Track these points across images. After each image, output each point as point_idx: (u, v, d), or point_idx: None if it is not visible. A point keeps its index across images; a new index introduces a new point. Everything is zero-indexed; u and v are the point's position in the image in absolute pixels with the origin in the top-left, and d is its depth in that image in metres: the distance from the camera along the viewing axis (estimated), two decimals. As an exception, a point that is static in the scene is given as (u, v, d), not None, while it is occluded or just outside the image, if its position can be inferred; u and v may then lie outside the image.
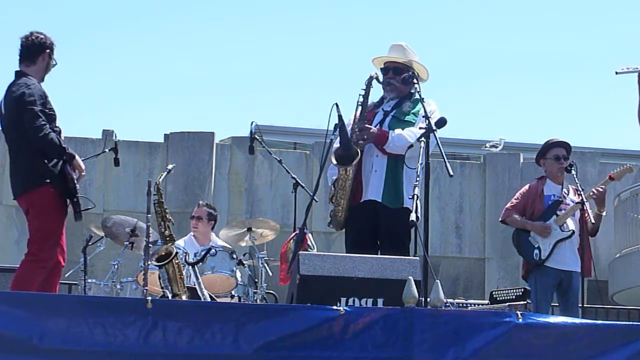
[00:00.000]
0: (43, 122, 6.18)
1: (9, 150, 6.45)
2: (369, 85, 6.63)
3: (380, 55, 6.89)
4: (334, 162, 6.54)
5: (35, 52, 6.42)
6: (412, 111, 6.72)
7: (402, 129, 6.59)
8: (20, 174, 6.35)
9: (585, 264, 7.40)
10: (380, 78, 6.81)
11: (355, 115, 6.64)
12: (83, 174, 6.43)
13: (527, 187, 7.82)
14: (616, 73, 6.59)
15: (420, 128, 6.19)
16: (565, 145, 7.70)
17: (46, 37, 6.45)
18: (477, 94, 33.65)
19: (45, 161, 6.22)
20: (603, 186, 7.51)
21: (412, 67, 6.77)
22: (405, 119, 6.69)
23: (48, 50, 6.45)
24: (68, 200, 6.34)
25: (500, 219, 7.84)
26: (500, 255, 14.78)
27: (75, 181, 6.33)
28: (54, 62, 6.49)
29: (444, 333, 5.05)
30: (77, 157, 6.39)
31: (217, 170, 14.63)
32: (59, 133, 6.33)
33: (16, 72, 6.41)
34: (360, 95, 6.63)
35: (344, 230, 6.79)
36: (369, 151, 6.64)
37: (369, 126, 6.61)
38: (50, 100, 6.36)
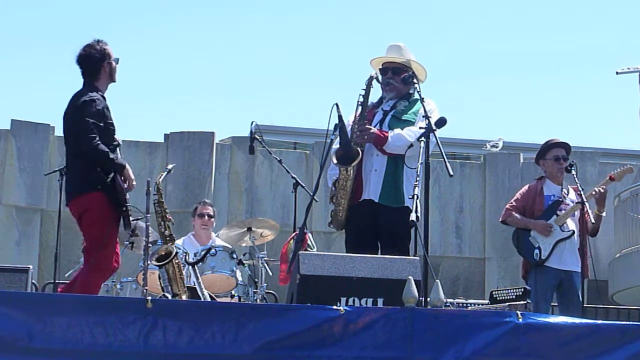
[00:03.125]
0: (93, 135, 6.17)
1: (66, 157, 6.45)
2: (369, 85, 6.65)
3: (378, 56, 6.91)
4: (335, 162, 6.55)
5: (95, 65, 6.44)
6: (411, 110, 6.73)
7: (402, 129, 6.60)
8: (74, 179, 6.35)
9: (583, 265, 7.41)
10: (380, 78, 6.83)
11: (355, 115, 6.65)
12: (134, 183, 6.39)
13: (526, 187, 7.82)
14: (617, 73, 6.62)
15: (420, 128, 6.20)
16: (564, 146, 7.69)
17: (100, 46, 6.44)
18: (477, 94, 33.66)
19: (99, 170, 6.22)
20: (604, 186, 7.50)
21: (411, 67, 6.80)
22: (405, 118, 6.70)
23: (107, 60, 6.44)
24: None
25: (500, 220, 7.82)
26: (500, 255, 14.76)
27: (125, 191, 6.30)
28: (115, 65, 6.48)
29: (444, 333, 5.04)
30: (127, 166, 6.36)
31: (217, 170, 14.61)
32: (116, 147, 6.34)
33: (83, 83, 6.43)
34: (360, 95, 6.64)
35: (344, 230, 6.80)
36: (369, 150, 6.65)
37: (369, 126, 6.62)
38: (111, 115, 6.39)
